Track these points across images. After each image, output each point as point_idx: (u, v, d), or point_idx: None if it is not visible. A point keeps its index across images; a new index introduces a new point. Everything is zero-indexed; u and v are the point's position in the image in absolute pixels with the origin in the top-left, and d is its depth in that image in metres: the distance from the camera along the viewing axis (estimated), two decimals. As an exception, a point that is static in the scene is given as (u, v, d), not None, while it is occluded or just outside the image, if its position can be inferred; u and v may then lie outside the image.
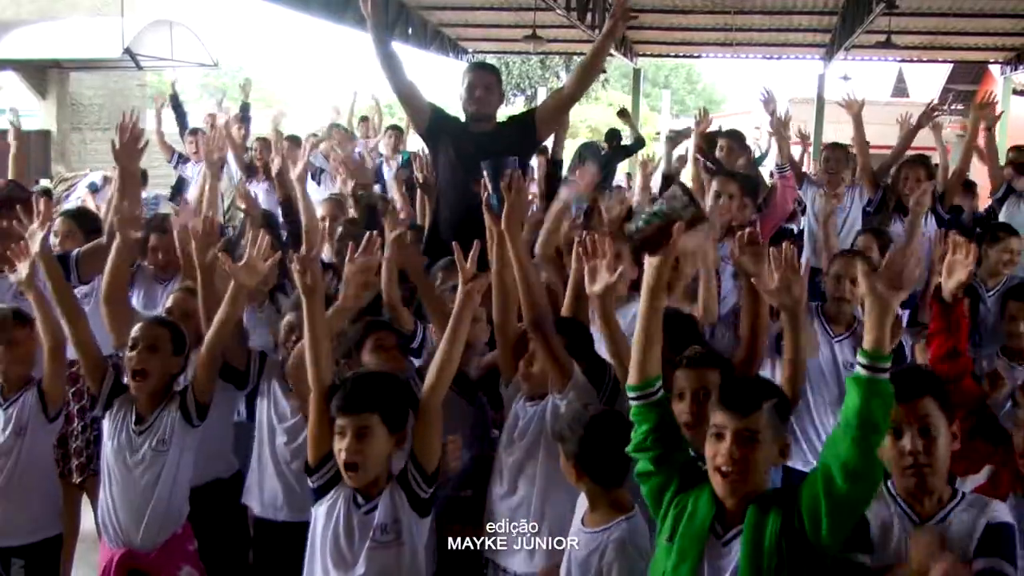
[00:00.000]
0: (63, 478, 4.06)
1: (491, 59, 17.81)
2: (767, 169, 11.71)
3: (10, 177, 5.30)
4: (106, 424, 3.34)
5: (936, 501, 2.33)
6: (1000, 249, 4.85)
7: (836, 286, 4.01)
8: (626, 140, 10.68)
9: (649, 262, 2.44)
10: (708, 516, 2.31)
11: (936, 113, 6.57)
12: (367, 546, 2.67)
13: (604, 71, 20.76)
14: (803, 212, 6.60)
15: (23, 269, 3.32)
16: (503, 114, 4.96)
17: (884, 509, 2.37)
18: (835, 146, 6.68)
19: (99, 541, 3.43)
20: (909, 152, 6.40)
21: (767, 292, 2.88)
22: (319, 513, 2.78)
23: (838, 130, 6.47)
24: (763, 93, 6.51)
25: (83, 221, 4.58)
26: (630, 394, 2.48)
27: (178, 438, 3.27)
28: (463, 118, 4.77)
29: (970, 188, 7.03)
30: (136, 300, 4.24)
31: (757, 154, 11.81)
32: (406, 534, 2.69)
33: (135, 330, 3.27)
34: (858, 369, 2.15)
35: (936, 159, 6.52)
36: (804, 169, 6.87)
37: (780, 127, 5.90)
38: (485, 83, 4.67)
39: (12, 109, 5.44)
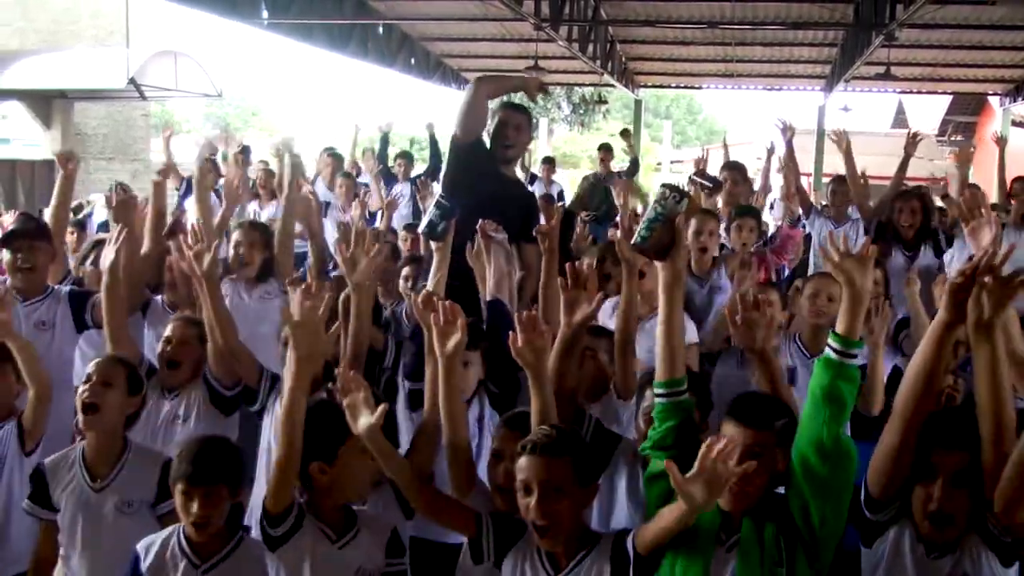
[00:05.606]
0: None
1: (493, 90, 17.87)
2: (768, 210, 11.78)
3: (53, 206, 5.16)
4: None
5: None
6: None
7: (812, 304, 3.87)
8: (623, 162, 10.66)
9: (662, 266, 2.48)
10: (715, 525, 2.34)
11: (919, 139, 6.64)
12: None
13: (606, 101, 20.90)
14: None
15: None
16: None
17: None
18: (841, 179, 6.63)
19: None
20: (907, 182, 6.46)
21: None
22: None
23: (839, 161, 6.46)
24: (780, 122, 6.61)
25: None
26: (657, 391, 2.47)
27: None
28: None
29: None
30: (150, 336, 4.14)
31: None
32: None
33: (91, 365, 3.12)
34: (828, 352, 2.24)
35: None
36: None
37: (789, 161, 6.10)
38: (516, 123, 4.44)
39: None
